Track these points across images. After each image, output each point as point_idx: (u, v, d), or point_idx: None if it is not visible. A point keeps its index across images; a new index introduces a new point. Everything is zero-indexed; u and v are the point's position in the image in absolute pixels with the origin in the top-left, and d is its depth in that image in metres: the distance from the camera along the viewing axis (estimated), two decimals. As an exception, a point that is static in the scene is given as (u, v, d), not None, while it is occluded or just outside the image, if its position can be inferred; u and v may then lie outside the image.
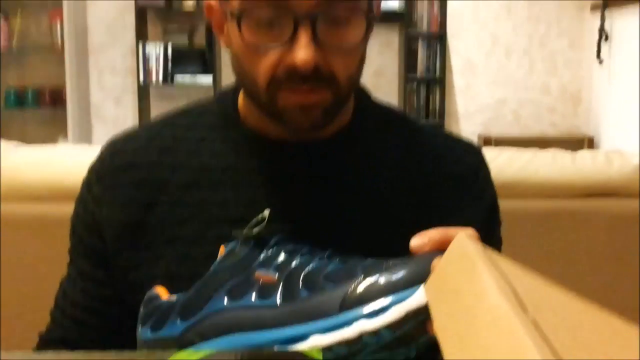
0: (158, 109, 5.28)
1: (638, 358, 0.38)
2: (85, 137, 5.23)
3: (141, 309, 0.71)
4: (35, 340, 0.91)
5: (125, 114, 5.40)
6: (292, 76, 0.73)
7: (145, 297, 0.72)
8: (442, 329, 0.42)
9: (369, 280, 0.59)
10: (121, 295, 0.84)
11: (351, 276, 0.61)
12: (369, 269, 0.61)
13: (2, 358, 0.55)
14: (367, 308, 0.58)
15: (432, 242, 0.62)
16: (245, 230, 0.68)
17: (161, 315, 0.68)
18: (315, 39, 0.71)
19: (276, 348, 0.60)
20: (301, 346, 0.59)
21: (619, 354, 0.37)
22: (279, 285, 0.63)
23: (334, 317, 0.59)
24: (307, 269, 0.64)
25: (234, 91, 0.89)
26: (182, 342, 0.64)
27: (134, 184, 0.84)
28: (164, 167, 0.85)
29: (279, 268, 0.65)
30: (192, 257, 0.80)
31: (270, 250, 0.67)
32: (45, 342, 0.89)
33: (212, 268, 0.68)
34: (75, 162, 1.78)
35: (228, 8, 0.76)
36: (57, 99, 5.03)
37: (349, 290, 0.59)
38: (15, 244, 1.72)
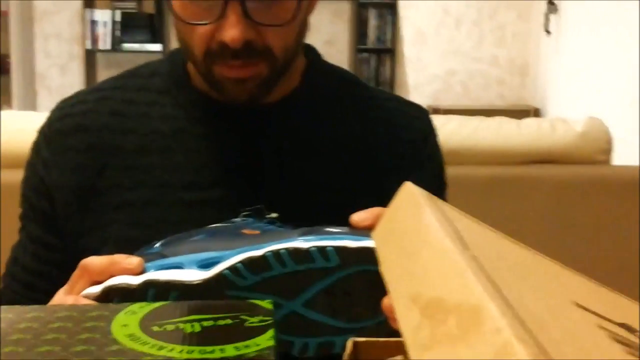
0: (105, 76, 5.07)
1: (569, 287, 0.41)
2: (30, 105, 5.13)
3: None
4: None
5: (71, 82, 5.30)
6: (225, 52, 0.74)
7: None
8: (389, 268, 0.44)
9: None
10: (72, 259, 0.84)
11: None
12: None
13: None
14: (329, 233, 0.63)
15: (373, 217, 0.64)
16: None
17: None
18: (245, 15, 0.72)
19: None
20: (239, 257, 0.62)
21: (550, 285, 0.40)
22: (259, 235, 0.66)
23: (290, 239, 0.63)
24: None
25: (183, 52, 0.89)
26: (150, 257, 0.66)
27: (84, 148, 0.84)
28: (115, 131, 0.84)
29: (263, 229, 0.68)
30: (144, 221, 0.81)
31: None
32: None
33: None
34: (20, 129, 1.76)
35: None
36: (1, 66, 4.91)
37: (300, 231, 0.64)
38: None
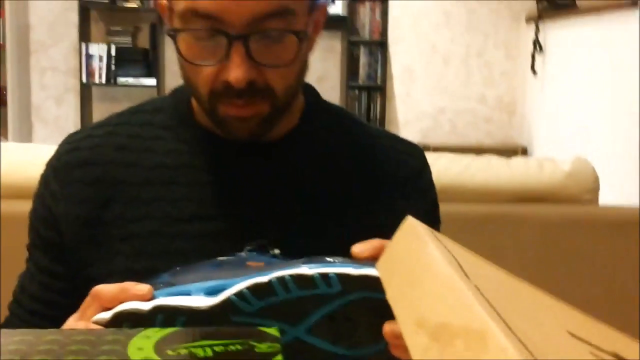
0: (100, 109, 5.22)
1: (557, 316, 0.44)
2: (26, 137, 5.13)
3: None
4: None
5: (66, 114, 5.31)
6: (229, 91, 0.76)
7: None
8: (395, 296, 0.47)
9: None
10: (78, 288, 0.84)
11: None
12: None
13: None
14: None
15: (373, 248, 0.68)
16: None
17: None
18: (248, 57, 0.75)
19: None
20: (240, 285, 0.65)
21: (545, 315, 0.44)
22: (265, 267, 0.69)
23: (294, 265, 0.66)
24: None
25: (187, 89, 0.91)
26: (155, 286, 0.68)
27: (90, 181, 0.86)
28: (120, 165, 0.87)
29: (267, 261, 0.70)
30: (148, 253, 0.83)
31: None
32: None
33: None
34: (18, 161, 1.79)
35: (171, 18, 0.80)
36: (-4, 98, 4.94)
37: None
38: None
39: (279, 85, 0.79)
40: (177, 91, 0.93)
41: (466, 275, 0.43)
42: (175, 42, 0.78)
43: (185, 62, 0.78)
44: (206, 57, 0.76)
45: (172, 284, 0.69)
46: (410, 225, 0.55)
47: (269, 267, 0.68)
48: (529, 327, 0.41)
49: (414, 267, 0.48)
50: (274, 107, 0.80)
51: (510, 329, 0.35)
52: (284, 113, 0.84)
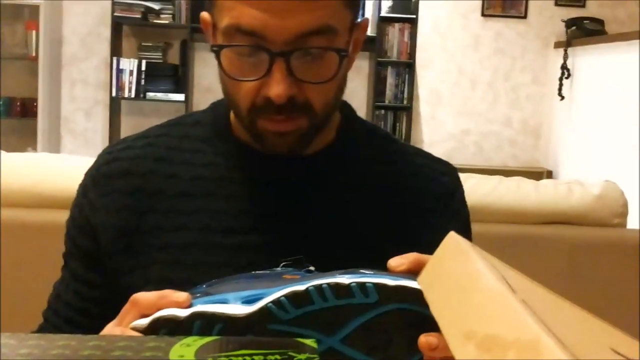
0: (128, 123, 5.28)
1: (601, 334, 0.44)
2: (54, 148, 5.19)
3: None
4: None
5: (95, 127, 5.38)
6: (269, 107, 0.77)
7: None
8: (439, 309, 0.48)
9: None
10: (114, 297, 0.85)
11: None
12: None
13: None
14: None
15: (408, 262, 0.68)
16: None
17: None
18: (289, 73, 0.75)
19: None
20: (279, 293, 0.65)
21: (588, 330, 0.44)
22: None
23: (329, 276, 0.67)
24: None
25: (226, 103, 0.91)
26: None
27: (129, 191, 0.87)
28: (159, 176, 0.88)
29: (303, 275, 0.70)
30: (184, 263, 0.84)
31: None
32: None
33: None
34: (51, 170, 1.82)
35: (214, 34, 0.82)
36: (27, 109, 4.99)
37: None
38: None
39: (318, 102, 0.80)
40: (216, 105, 0.94)
41: (512, 289, 0.44)
42: (218, 58, 0.79)
43: (227, 77, 0.80)
44: (248, 73, 0.78)
45: (209, 293, 0.69)
46: (454, 240, 0.55)
47: (305, 279, 0.68)
48: (575, 342, 0.41)
49: (460, 280, 0.48)
50: (312, 123, 0.81)
51: (561, 341, 0.36)
52: (322, 129, 0.85)
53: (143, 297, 0.68)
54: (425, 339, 0.61)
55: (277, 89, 0.75)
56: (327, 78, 0.78)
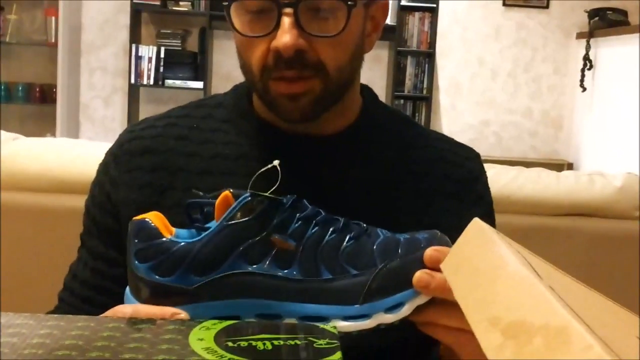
0: (147, 110, 5.30)
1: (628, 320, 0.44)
2: (73, 135, 5.22)
3: (132, 239, 0.69)
4: None
5: (113, 114, 5.41)
6: (278, 62, 0.77)
7: (134, 225, 0.70)
8: (463, 296, 0.47)
9: (387, 272, 0.66)
10: None
11: (370, 263, 0.67)
12: (385, 255, 0.67)
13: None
14: (386, 303, 0.65)
15: (435, 283, 0.66)
16: (252, 184, 0.72)
17: (169, 261, 0.67)
18: (297, 24, 0.76)
19: (295, 320, 0.66)
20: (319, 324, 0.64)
21: (614, 318, 0.43)
22: (297, 255, 0.67)
23: (356, 307, 0.66)
24: (324, 242, 0.68)
25: (248, 85, 0.92)
26: (193, 297, 0.66)
27: (150, 168, 0.88)
28: (180, 154, 0.88)
29: (295, 235, 0.68)
30: None
31: (285, 213, 0.69)
32: None
33: (223, 220, 0.68)
34: (70, 155, 1.82)
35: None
36: (46, 95, 5.03)
37: (370, 280, 0.66)
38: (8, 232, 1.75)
39: (331, 62, 0.79)
40: (237, 87, 0.95)
41: (539, 275, 0.43)
42: (230, 17, 0.80)
43: (239, 39, 0.80)
44: (258, 30, 0.78)
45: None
46: (478, 227, 0.54)
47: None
48: (602, 329, 0.40)
49: (484, 266, 0.47)
50: (325, 87, 0.80)
51: (590, 328, 0.35)
52: (335, 97, 0.84)
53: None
54: (418, 275, 0.64)
55: (283, 39, 0.76)
56: (335, 32, 0.78)
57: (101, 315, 0.69)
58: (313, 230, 0.69)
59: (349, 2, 0.78)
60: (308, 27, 0.77)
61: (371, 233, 0.70)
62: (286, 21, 0.76)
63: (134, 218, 0.70)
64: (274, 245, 0.67)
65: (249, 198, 0.68)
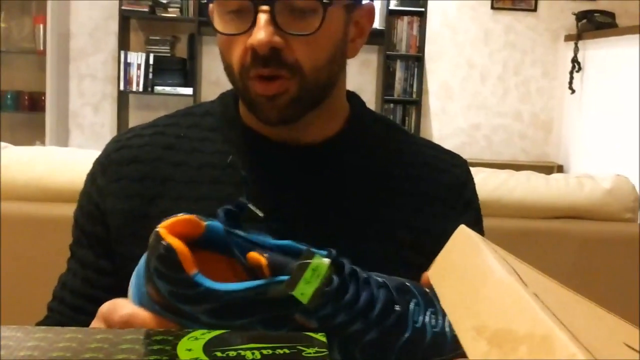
0: (136, 117, 5.29)
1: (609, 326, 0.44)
2: (63, 142, 5.21)
3: (152, 259, 0.66)
4: None
5: (103, 121, 5.39)
6: (255, 59, 0.78)
7: (158, 245, 0.65)
8: (449, 304, 0.47)
9: None
10: (122, 284, 0.87)
11: None
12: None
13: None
14: None
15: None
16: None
17: (190, 295, 0.64)
18: (273, 22, 0.77)
19: None
20: None
21: (600, 324, 0.43)
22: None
23: None
24: (347, 332, 0.64)
25: (235, 93, 0.92)
26: (201, 325, 0.64)
27: (138, 177, 0.88)
28: (167, 163, 0.88)
29: (321, 318, 0.64)
30: None
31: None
32: None
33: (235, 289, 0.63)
34: (59, 164, 1.82)
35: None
36: (36, 103, 5.02)
37: None
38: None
39: (307, 62, 0.80)
40: (224, 95, 0.95)
41: (524, 283, 0.43)
42: (211, 18, 0.82)
43: (221, 38, 0.81)
44: (236, 29, 0.79)
45: None
46: (464, 234, 0.54)
47: None
48: (588, 336, 0.40)
49: (470, 274, 0.48)
50: (301, 87, 0.80)
51: (574, 336, 0.35)
52: (315, 99, 0.84)
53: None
54: None
55: (258, 35, 0.76)
56: (311, 31, 0.78)
57: (100, 307, 0.70)
58: (339, 318, 0.64)
59: (325, 1, 0.78)
60: (285, 26, 0.77)
61: (401, 321, 0.65)
62: (262, 18, 0.76)
63: (162, 237, 0.66)
64: (296, 321, 0.64)
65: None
